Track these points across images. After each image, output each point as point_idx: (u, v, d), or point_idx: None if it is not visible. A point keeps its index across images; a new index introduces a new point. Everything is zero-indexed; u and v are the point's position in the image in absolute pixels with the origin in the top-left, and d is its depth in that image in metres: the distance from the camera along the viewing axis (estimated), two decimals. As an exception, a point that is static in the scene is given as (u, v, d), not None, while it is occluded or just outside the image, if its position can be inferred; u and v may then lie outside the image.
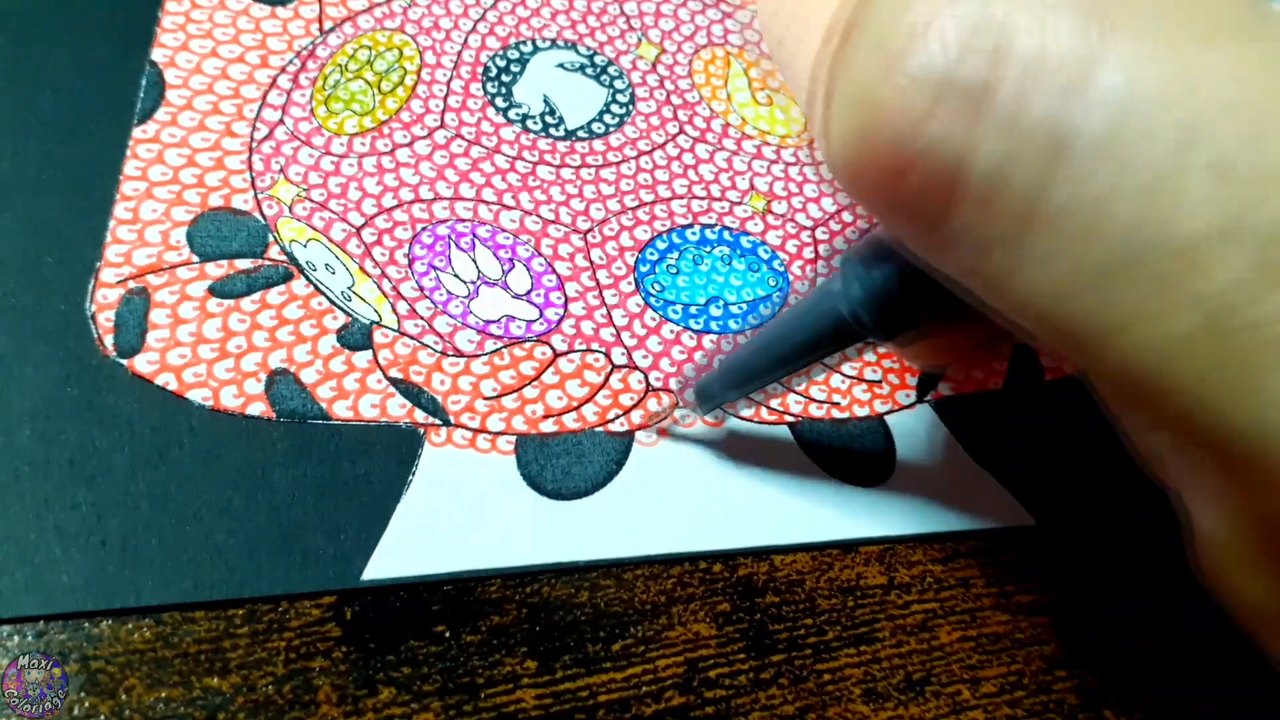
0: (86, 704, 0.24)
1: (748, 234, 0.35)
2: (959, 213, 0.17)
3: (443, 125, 0.35)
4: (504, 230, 0.33)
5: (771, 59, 0.24)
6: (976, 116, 0.16)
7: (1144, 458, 0.21)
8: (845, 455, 0.32)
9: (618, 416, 0.31)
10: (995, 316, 0.19)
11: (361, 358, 0.30)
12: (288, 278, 0.31)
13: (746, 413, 0.32)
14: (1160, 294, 0.15)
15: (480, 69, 0.36)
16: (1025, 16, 0.16)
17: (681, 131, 0.37)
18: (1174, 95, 0.15)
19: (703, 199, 0.35)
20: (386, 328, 0.31)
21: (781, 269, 0.35)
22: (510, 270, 0.32)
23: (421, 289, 0.31)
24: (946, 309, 0.23)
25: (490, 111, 0.35)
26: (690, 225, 0.35)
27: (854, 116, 0.18)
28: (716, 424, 0.31)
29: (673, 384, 0.32)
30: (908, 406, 0.33)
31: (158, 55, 0.34)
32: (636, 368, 0.32)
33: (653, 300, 0.33)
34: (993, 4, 0.16)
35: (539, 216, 0.34)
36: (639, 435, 0.31)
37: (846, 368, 0.33)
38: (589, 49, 0.38)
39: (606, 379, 0.31)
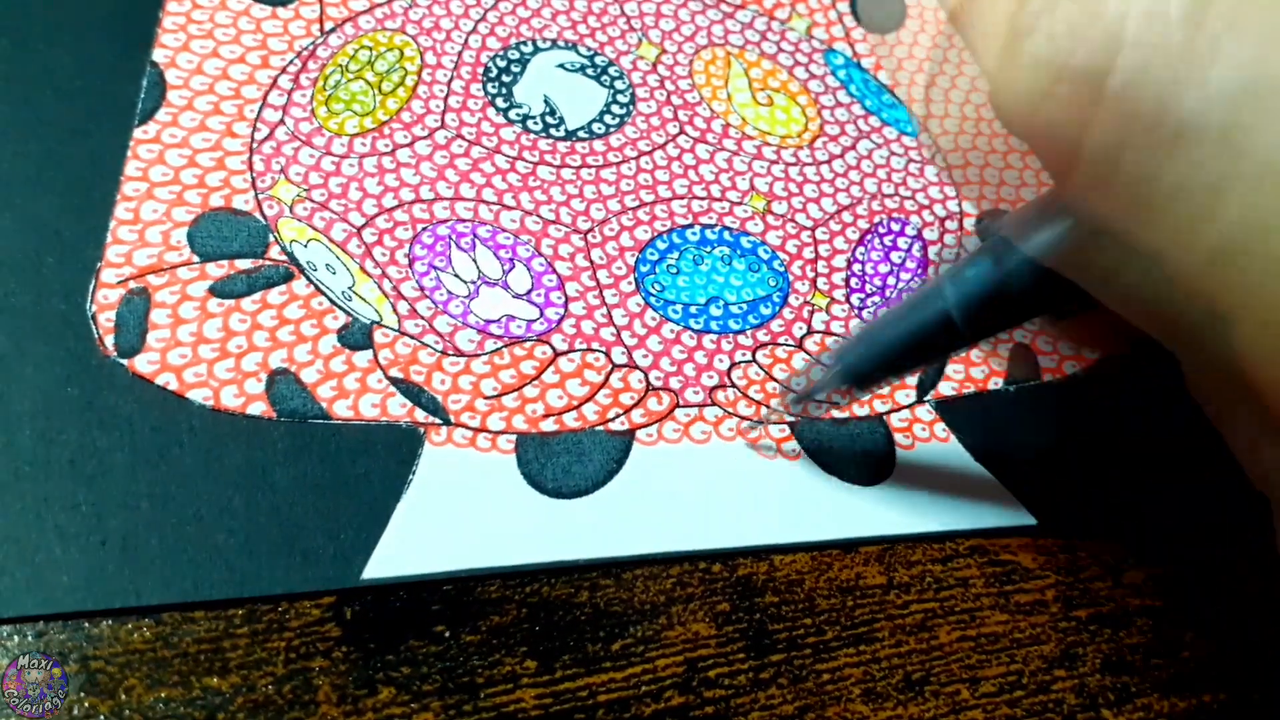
0: (86, 704, 0.24)
1: (748, 234, 0.35)
2: (1074, 191, 0.17)
3: (443, 125, 0.35)
4: (504, 230, 0.33)
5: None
6: (1092, 100, 0.16)
7: (1256, 470, 0.20)
8: (845, 455, 0.32)
9: (618, 415, 0.31)
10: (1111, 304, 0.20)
11: (362, 357, 0.30)
12: (288, 278, 0.31)
13: (747, 411, 0.32)
14: (1274, 279, 0.15)
15: (481, 69, 0.36)
16: (1140, 5, 0.16)
17: (682, 132, 0.37)
18: None
19: (703, 199, 0.35)
20: (387, 327, 0.31)
21: (781, 269, 0.35)
22: (510, 270, 0.33)
23: (422, 289, 0.31)
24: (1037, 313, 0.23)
25: (491, 112, 0.35)
26: (690, 225, 0.35)
27: (991, 83, 0.18)
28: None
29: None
30: (908, 406, 0.33)
31: (159, 56, 0.34)
32: (636, 367, 0.32)
33: (653, 300, 0.33)
34: None
35: (539, 216, 0.34)
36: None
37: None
38: (589, 49, 0.38)
39: (607, 378, 0.31)
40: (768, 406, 0.31)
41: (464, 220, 0.33)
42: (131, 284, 0.30)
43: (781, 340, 0.33)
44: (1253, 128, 0.15)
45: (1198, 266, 0.16)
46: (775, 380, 0.33)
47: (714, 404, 0.32)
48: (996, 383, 0.34)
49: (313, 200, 0.32)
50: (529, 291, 0.32)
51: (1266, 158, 0.15)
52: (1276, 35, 0.15)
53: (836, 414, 0.33)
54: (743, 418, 0.32)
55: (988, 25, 0.18)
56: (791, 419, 0.31)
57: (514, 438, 0.30)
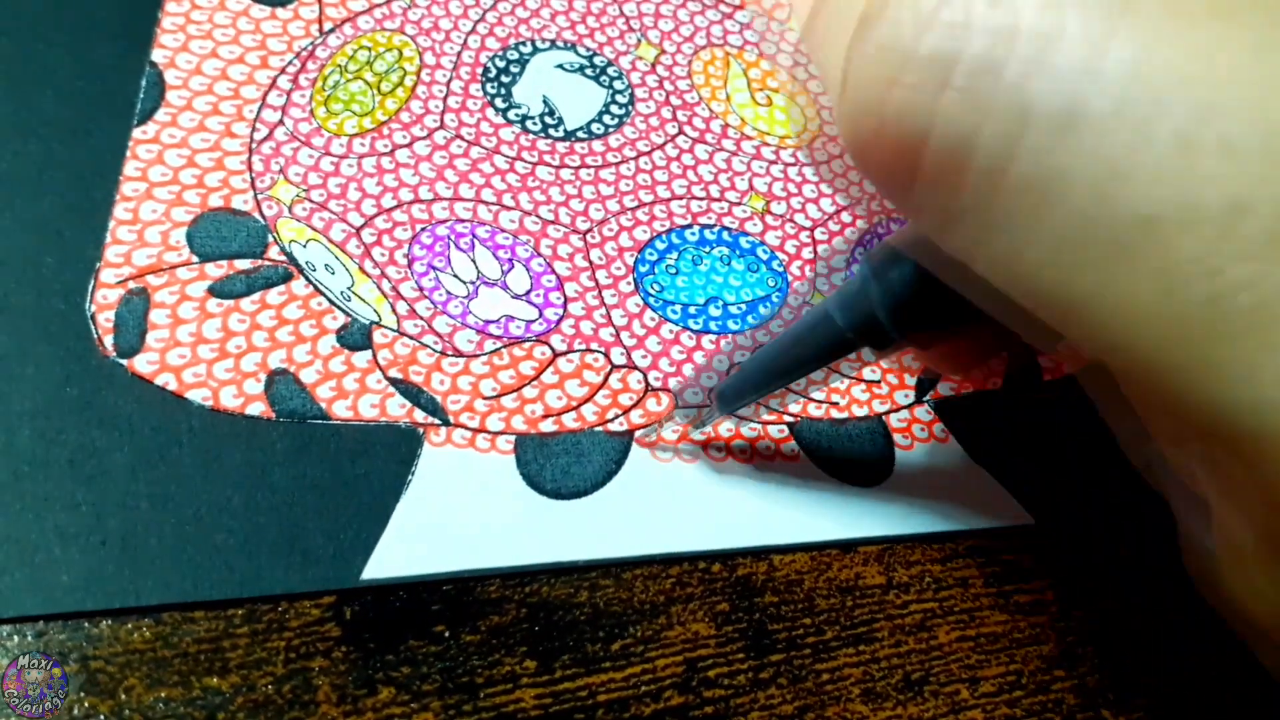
0: (86, 704, 0.24)
1: (747, 234, 0.35)
2: (970, 188, 0.17)
3: (442, 126, 0.35)
4: (503, 230, 0.33)
5: (804, 44, 0.24)
6: (940, 88, 0.16)
7: (1139, 462, 0.20)
8: (844, 455, 0.32)
9: (617, 416, 0.31)
10: (1001, 314, 0.19)
11: (361, 358, 0.30)
12: (287, 278, 0.31)
13: (745, 412, 0.32)
14: (1121, 265, 0.15)
15: (480, 69, 0.36)
16: None
17: (681, 132, 0.37)
18: (1139, 69, 0.15)
19: (702, 199, 0.35)
20: (386, 328, 0.31)
21: (780, 269, 0.35)
22: (509, 270, 0.33)
23: (421, 289, 0.31)
24: (957, 312, 0.23)
25: (490, 112, 0.35)
26: (689, 225, 0.35)
27: (869, 92, 0.18)
28: (705, 439, 0.32)
29: (672, 384, 0.32)
30: (907, 406, 0.33)
31: (158, 56, 0.34)
32: (636, 368, 0.32)
33: (652, 300, 0.33)
34: None
35: (538, 217, 0.34)
36: (637, 435, 0.31)
37: (845, 367, 0.33)
38: (588, 50, 0.38)
39: (606, 379, 0.31)
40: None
41: (463, 220, 0.33)
42: (131, 284, 0.30)
43: (780, 340, 0.33)
44: (1095, 112, 0.15)
45: (1046, 256, 0.16)
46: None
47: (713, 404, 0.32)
48: (996, 383, 0.34)
49: (312, 200, 0.32)
50: (528, 292, 0.32)
51: (1111, 150, 0.15)
52: (1118, 18, 0.15)
53: (836, 415, 0.33)
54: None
55: (839, 23, 0.18)
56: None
57: (513, 438, 0.30)
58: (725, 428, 0.32)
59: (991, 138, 0.16)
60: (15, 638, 0.25)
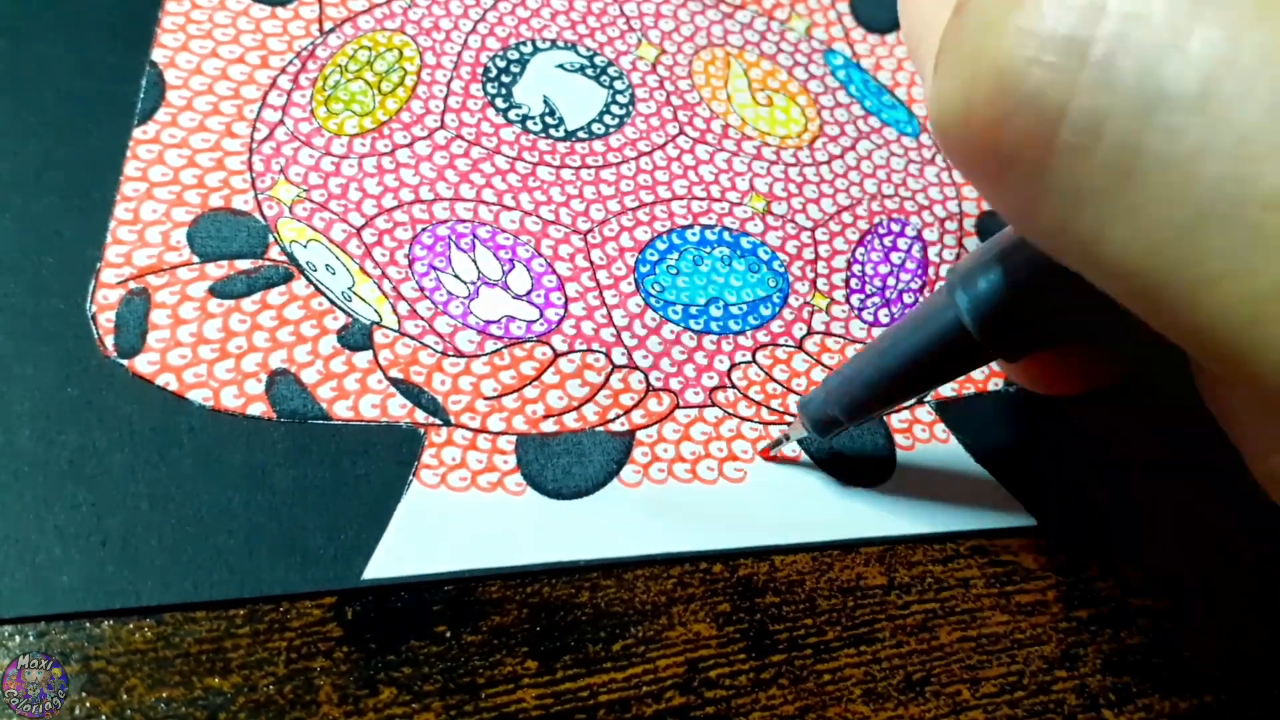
0: (87, 704, 0.24)
1: (748, 235, 0.35)
2: (1055, 163, 0.17)
3: (443, 126, 0.35)
4: (504, 231, 0.33)
5: (905, 39, 0.24)
6: (1076, 69, 0.16)
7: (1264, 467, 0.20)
8: (846, 455, 0.32)
9: (618, 416, 0.31)
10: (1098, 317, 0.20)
11: (362, 358, 0.30)
12: (288, 278, 0.31)
13: (747, 412, 0.32)
14: (1251, 246, 0.15)
15: (480, 69, 0.36)
16: None
17: (681, 132, 0.37)
18: (1272, 55, 0.15)
19: (703, 200, 0.35)
20: (387, 328, 0.31)
21: (781, 270, 0.35)
22: (510, 271, 0.33)
23: (422, 289, 0.31)
24: (1051, 321, 0.23)
25: (490, 112, 0.35)
26: (690, 226, 0.35)
27: (962, 69, 0.18)
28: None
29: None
30: (907, 407, 0.33)
31: (158, 55, 0.34)
32: (637, 368, 0.32)
33: (653, 301, 0.33)
34: None
35: (539, 217, 0.34)
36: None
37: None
38: (589, 50, 0.38)
39: (607, 379, 0.31)
40: (787, 428, 0.31)
41: (464, 221, 0.33)
42: (131, 284, 0.30)
43: (781, 341, 0.33)
44: (1230, 97, 0.15)
45: (1176, 234, 0.16)
46: (775, 381, 0.33)
47: (714, 405, 0.32)
48: (996, 383, 0.34)
49: (312, 200, 0.32)
50: (529, 292, 0.32)
51: (1243, 128, 0.15)
52: (1256, 6, 0.15)
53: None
54: (747, 420, 0.32)
55: (969, 12, 0.19)
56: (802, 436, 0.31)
57: (514, 438, 0.30)
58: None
59: (1122, 119, 0.16)
60: (17, 638, 0.25)
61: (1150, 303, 0.17)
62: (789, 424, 0.32)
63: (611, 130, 0.36)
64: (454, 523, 0.28)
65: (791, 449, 0.31)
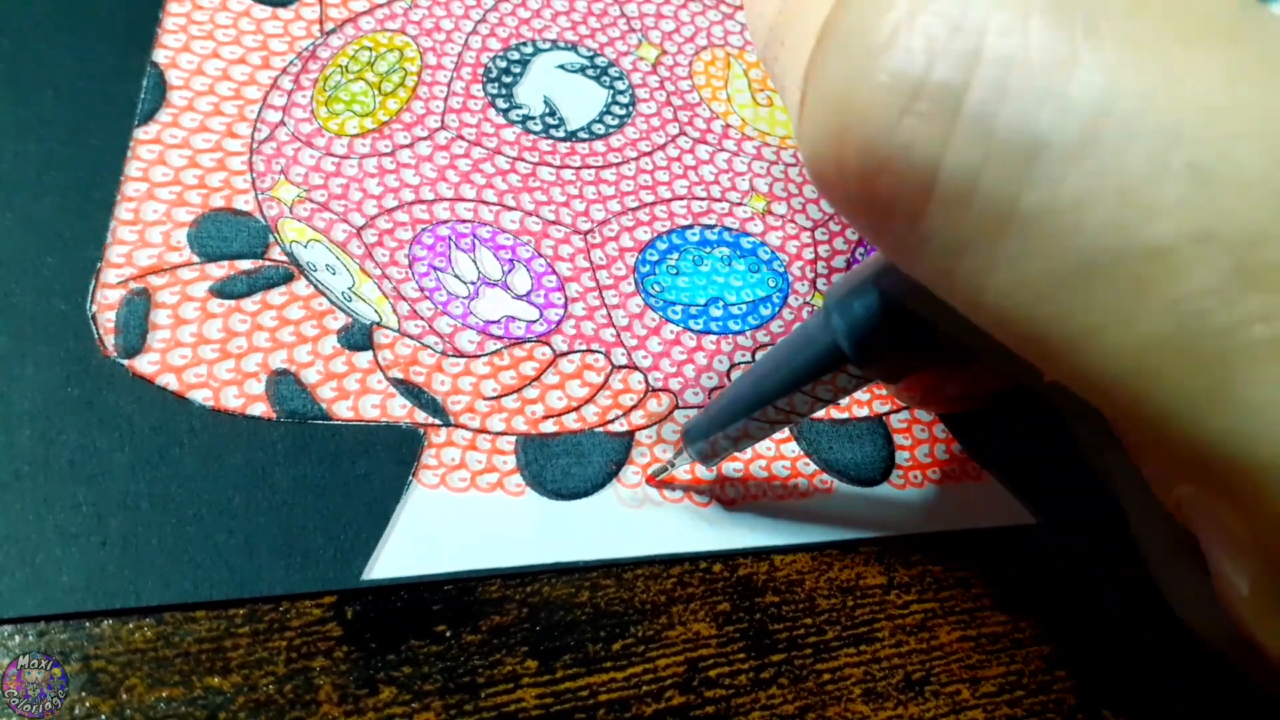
0: (88, 703, 0.24)
1: (748, 235, 0.35)
2: (932, 214, 0.17)
3: (444, 126, 0.35)
4: (505, 231, 0.33)
5: (762, 63, 0.23)
6: (950, 119, 0.16)
7: (1099, 465, 0.20)
8: (845, 455, 0.32)
9: (618, 417, 0.31)
10: (975, 341, 0.19)
11: (362, 358, 0.30)
12: (289, 278, 0.31)
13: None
14: (1133, 297, 0.15)
15: (481, 70, 0.36)
16: (1003, 17, 0.15)
17: (682, 133, 0.37)
18: (1154, 98, 0.15)
19: (703, 200, 0.35)
20: (387, 328, 0.31)
21: (782, 270, 0.35)
22: (511, 271, 0.33)
23: (422, 290, 0.31)
24: (927, 344, 0.23)
25: (491, 113, 0.35)
26: (691, 226, 0.35)
27: (830, 115, 0.18)
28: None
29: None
30: (908, 406, 0.33)
31: (159, 56, 0.34)
32: (637, 368, 0.32)
33: (653, 301, 0.33)
34: (971, 4, 0.16)
35: (540, 217, 0.34)
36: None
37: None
38: (590, 50, 0.38)
39: (607, 379, 0.31)
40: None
41: (464, 221, 0.33)
42: (132, 284, 0.30)
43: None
44: (1111, 144, 0.15)
45: (1057, 285, 0.15)
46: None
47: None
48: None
49: (313, 201, 0.32)
50: (529, 292, 0.32)
51: (1124, 178, 0.15)
52: (1135, 49, 0.15)
53: (837, 415, 0.33)
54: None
55: (834, 52, 0.18)
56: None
57: (514, 439, 0.30)
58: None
59: (1000, 169, 0.16)
60: (17, 637, 0.25)
61: (1035, 350, 0.17)
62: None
63: (612, 131, 0.36)
64: (454, 523, 0.28)
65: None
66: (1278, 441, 0.14)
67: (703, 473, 0.31)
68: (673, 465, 0.30)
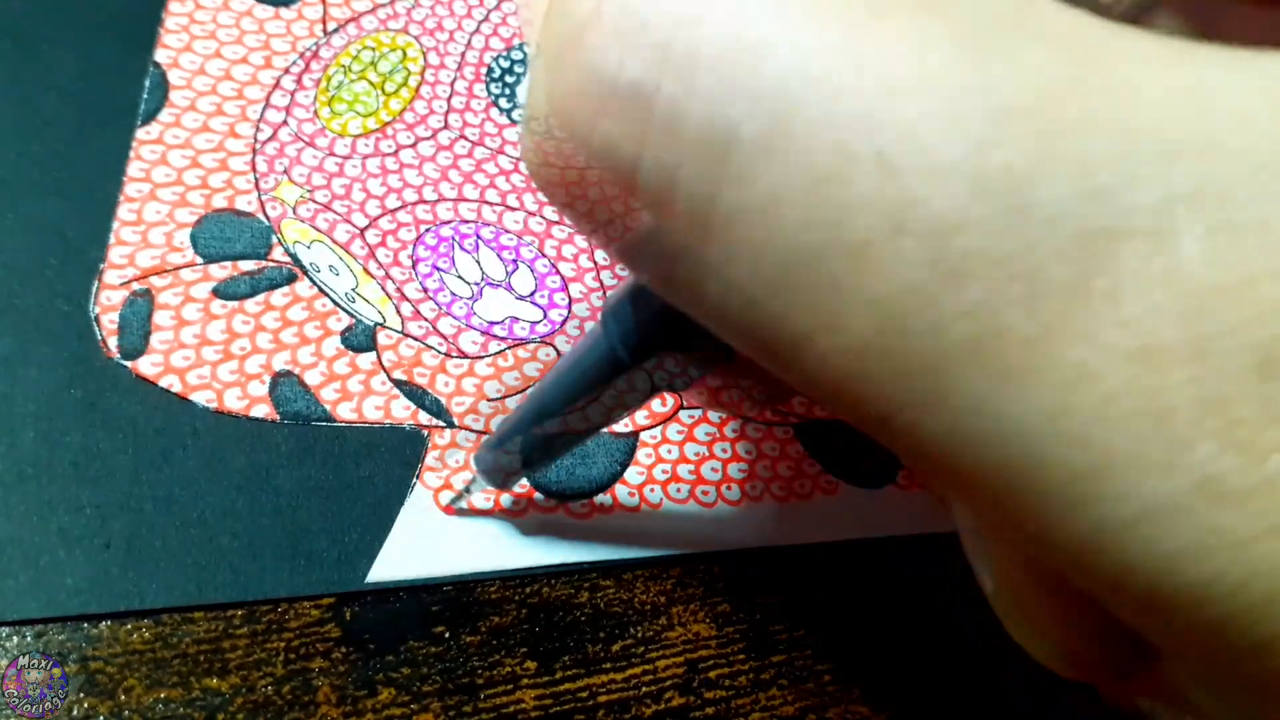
0: (86, 704, 0.24)
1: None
2: (641, 219, 0.16)
3: (446, 126, 0.35)
4: (508, 231, 0.33)
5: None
6: (644, 119, 0.15)
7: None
8: (848, 455, 0.32)
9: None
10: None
11: (365, 359, 0.30)
12: (291, 279, 0.31)
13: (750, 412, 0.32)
14: (834, 299, 0.14)
15: (484, 70, 0.36)
16: (687, 6, 0.14)
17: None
18: (841, 81, 0.13)
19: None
20: (390, 329, 0.31)
21: (785, 269, 0.34)
22: (514, 271, 0.33)
23: (425, 290, 0.32)
24: (700, 346, 0.22)
25: (494, 112, 0.35)
26: (694, 225, 0.35)
27: (538, 105, 0.17)
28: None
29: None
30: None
31: (161, 56, 0.34)
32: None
33: (656, 301, 0.33)
34: None
35: (542, 217, 0.34)
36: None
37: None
38: (593, 49, 0.38)
39: (609, 380, 0.31)
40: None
41: (467, 221, 0.33)
42: (135, 285, 0.30)
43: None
44: (799, 137, 0.14)
45: (765, 290, 0.15)
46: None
47: (718, 405, 0.32)
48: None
49: (316, 201, 0.32)
50: (532, 293, 0.32)
51: (814, 172, 0.14)
52: (823, 29, 0.14)
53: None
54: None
55: (545, 40, 0.17)
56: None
57: (518, 439, 0.30)
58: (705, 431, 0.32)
59: (697, 164, 0.15)
60: (15, 638, 0.25)
61: (762, 356, 0.16)
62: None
63: (615, 130, 0.36)
64: (457, 525, 0.28)
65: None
66: (986, 446, 0.14)
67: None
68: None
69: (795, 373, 0.15)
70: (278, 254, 0.31)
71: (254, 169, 0.32)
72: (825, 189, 0.13)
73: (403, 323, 0.31)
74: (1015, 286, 0.13)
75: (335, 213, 0.32)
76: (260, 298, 0.30)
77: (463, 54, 0.36)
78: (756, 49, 0.14)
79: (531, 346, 0.31)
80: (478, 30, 0.37)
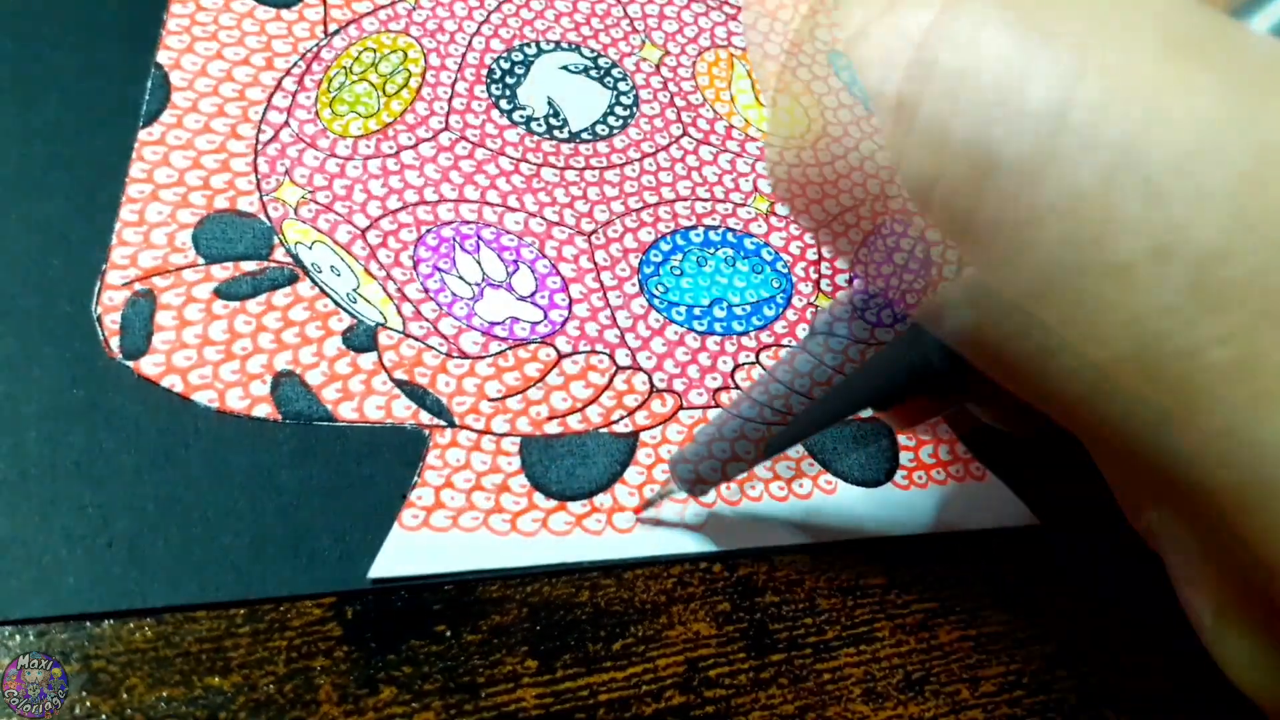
0: (88, 703, 0.24)
1: (751, 236, 0.35)
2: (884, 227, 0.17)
3: (447, 127, 0.35)
4: (508, 232, 0.33)
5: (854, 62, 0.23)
6: (905, 133, 0.16)
7: (1139, 525, 0.20)
8: (848, 454, 0.32)
9: (622, 418, 0.31)
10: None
11: (367, 359, 0.30)
12: (293, 280, 0.31)
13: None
14: (1090, 316, 0.14)
15: (484, 71, 0.36)
16: (956, 29, 0.15)
17: (685, 133, 0.37)
18: (1107, 112, 0.14)
19: (706, 201, 0.35)
20: (391, 329, 0.31)
21: (785, 270, 0.35)
22: (515, 272, 0.33)
23: (426, 291, 0.32)
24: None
25: (494, 114, 0.36)
26: (694, 227, 0.35)
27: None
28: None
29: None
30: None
31: (163, 57, 0.34)
32: (640, 369, 0.32)
33: (656, 302, 0.33)
34: (921, 12, 0.16)
35: (543, 218, 0.34)
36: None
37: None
38: (593, 51, 0.38)
39: (611, 380, 0.32)
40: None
41: (468, 222, 0.33)
42: (137, 286, 0.30)
43: (785, 342, 0.33)
44: (1065, 159, 0.14)
45: (1014, 303, 0.15)
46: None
47: (718, 406, 0.32)
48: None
49: (317, 202, 0.32)
50: (533, 293, 0.32)
51: (1078, 193, 0.14)
52: (1090, 60, 0.14)
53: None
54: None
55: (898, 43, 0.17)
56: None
57: (518, 440, 0.30)
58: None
59: (953, 183, 0.15)
60: (17, 637, 0.25)
61: (998, 370, 0.16)
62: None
63: (615, 131, 0.36)
64: (458, 524, 0.28)
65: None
66: (1238, 466, 0.14)
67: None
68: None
69: (1030, 387, 0.16)
70: (279, 254, 0.31)
71: (256, 170, 0.33)
72: (1089, 211, 0.14)
73: (404, 323, 0.31)
74: (1275, 316, 0.13)
75: (337, 213, 0.32)
76: (262, 298, 0.30)
77: (464, 55, 0.37)
78: (1022, 73, 0.15)
79: (532, 347, 0.32)
80: (478, 32, 0.37)
